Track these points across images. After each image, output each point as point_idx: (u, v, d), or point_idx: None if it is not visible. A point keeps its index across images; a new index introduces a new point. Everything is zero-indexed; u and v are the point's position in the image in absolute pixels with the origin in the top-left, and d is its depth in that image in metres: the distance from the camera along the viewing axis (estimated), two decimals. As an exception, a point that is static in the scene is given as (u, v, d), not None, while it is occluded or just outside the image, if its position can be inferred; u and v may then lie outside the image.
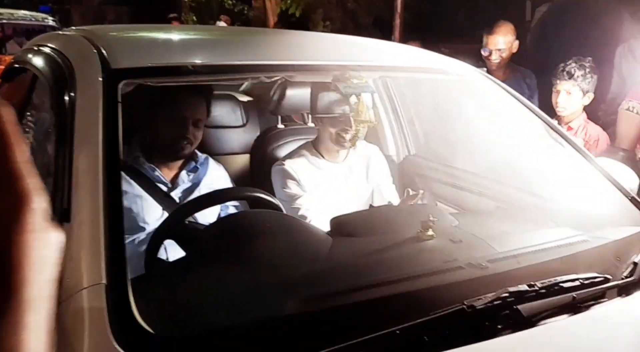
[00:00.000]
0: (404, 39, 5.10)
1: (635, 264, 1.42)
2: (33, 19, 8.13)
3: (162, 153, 2.01)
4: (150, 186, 1.91)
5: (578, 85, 2.88)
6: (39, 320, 0.41)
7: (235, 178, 2.26)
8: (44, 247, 0.39)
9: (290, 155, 2.19)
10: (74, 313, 0.99)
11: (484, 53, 3.40)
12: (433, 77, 2.11)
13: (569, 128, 2.94)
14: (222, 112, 2.53)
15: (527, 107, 1.94)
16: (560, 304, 1.25)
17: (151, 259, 1.50)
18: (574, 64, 2.90)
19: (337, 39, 2.25)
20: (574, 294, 1.26)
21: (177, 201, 1.95)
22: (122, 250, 1.10)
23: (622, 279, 1.38)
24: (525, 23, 7.13)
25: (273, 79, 1.73)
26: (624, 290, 1.37)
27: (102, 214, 1.12)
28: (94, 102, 1.33)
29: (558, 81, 2.92)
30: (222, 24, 8.90)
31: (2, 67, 6.97)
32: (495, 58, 3.38)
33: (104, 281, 1.02)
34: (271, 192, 2.05)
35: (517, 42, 3.41)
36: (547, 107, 3.30)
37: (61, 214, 1.13)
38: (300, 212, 2.02)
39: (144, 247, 1.63)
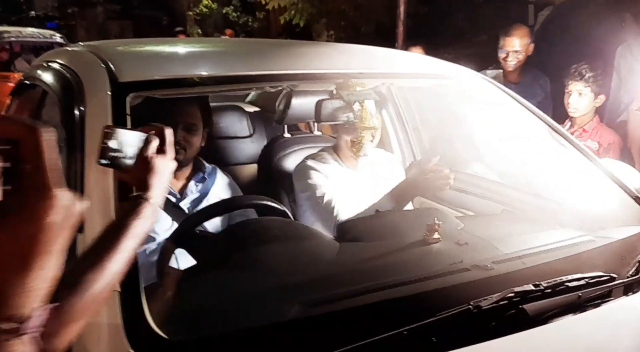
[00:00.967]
0: (406, 46, 5.12)
1: (640, 262, 1.43)
2: (41, 36, 8.21)
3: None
4: (159, 196, 1.93)
5: (589, 86, 2.88)
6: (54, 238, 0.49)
7: (243, 188, 2.28)
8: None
9: (312, 156, 2.19)
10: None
11: (500, 55, 3.43)
12: (437, 83, 2.14)
13: (584, 131, 2.93)
14: (229, 123, 2.56)
15: (530, 111, 1.96)
16: (565, 303, 1.26)
17: (163, 267, 1.53)
18: (585, 66, 2.90)
19: (341, 48, 2.28)
20: (579, 293, 1.28)
21: (186, 211, 1.98)
22: (135, 259, 1.13)
23: (628, 277, 1.40)
24: (528, 27, 7.13)
25: (277, 89, 1.76)
26: (630, 288, 1.39)
27: (113, 224, 1.15)
28: (103, 115, 1.36)
29: (570, 82, 2.92)
30: (225, 37, 9.00)
31: (11, 84, 7.04)
32: (511, 60, 3.40)
33: (118, 289, 1.05)
34: (280, 200, 2.07)
35: (532, 45, 3.44)
36: (554, 109, 3.33)
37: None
38: (326, 201, 2.02)
39: (154, 257, 1.66)
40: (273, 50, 2.16)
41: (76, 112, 1.42)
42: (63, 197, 0.49)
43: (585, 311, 1.28)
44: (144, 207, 0.94)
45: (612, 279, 1.36)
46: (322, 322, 1.16)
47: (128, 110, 1.38)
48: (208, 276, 1.39)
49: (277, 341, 1.08)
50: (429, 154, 2.78)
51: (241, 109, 2.74)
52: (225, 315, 1.18)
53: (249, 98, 3.43)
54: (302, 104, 2.38)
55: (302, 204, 2.10)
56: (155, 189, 0.98)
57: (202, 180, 2.09)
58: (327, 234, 1.77)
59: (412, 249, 1.48)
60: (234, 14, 12.15)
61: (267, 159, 2.49)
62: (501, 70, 3.40)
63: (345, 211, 2.00)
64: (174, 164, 1.06)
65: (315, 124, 2.64)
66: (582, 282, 1.30)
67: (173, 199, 2.00)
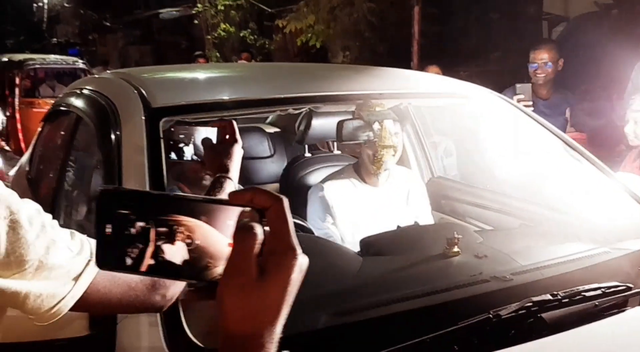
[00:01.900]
0: (423, 65, 5.18)
1: (656, 272, 1.46)
2: (64, 63, 8.38)
3: (189, 182, 2.09)
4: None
5: None
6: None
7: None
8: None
9: (330, 177, 2.26)
10: (133, 329, 1.09)
11: (531, 69, 3.45)
12: (453, 102, 2.20)
13: None
14: (251, 143, 2.65)
15: (544, 126, 2.01)
16: (582, 312, 1.30)
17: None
18: None
19: (360, 70, 2.36)
20: (595, 302, 1.32)
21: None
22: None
23: (644, 287, 1.43)
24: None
25: (300, 110, 1.83)
26: (646, 298, 1.42)
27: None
28: (138, 138, 1.45)
29: (629, 112, 2.86)
30: (242, 62, 9.16)
31: (36, 110, 7.15)
32: (540, 73, 3.41)
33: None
34: (303, 216, 2.14)
35: (562, 60, 3.46)
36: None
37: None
38: (324, 233, 2.09)
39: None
40: (296, 74, 2.24)
41: (112, 136, 1.51)
42: (302, 256, 0.56)
43: (601, 319, 1.32)
44: (228, 184, 1.12)
45: (628, 288, 1.39)
46: (349, 331, 1.21)
47: (161, 134, 1.46)
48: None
49: (307, 349, 1.14)
50: (446, 171, 2.85)
51: (262, 130, 2.83)
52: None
53: (269, 119, 3.53)
54: (322, 124, 2.46)
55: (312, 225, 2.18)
56: (233, 170, 1.17)
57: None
58: None
59: (433, 262, 1.53)
60: (251, 36, 12.33)
61: (289, 178, 2.56)
62: (530, 84, 3.38)
63: (364, 229, 2.07)
64: (241, 150, 1.23)
65: (335, 143, 2.72)
66: (599, 291, 1.34)
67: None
